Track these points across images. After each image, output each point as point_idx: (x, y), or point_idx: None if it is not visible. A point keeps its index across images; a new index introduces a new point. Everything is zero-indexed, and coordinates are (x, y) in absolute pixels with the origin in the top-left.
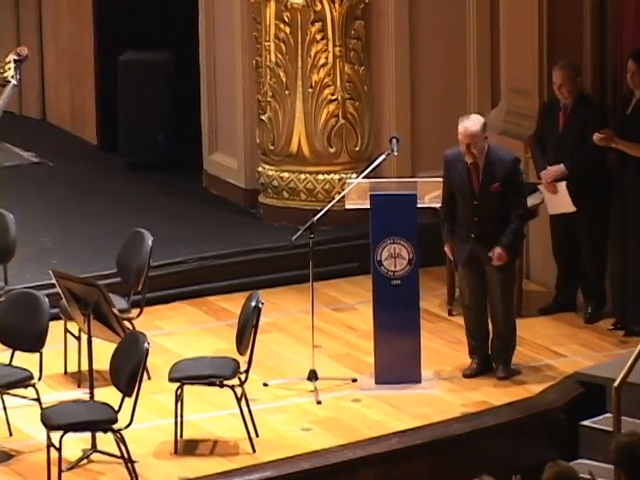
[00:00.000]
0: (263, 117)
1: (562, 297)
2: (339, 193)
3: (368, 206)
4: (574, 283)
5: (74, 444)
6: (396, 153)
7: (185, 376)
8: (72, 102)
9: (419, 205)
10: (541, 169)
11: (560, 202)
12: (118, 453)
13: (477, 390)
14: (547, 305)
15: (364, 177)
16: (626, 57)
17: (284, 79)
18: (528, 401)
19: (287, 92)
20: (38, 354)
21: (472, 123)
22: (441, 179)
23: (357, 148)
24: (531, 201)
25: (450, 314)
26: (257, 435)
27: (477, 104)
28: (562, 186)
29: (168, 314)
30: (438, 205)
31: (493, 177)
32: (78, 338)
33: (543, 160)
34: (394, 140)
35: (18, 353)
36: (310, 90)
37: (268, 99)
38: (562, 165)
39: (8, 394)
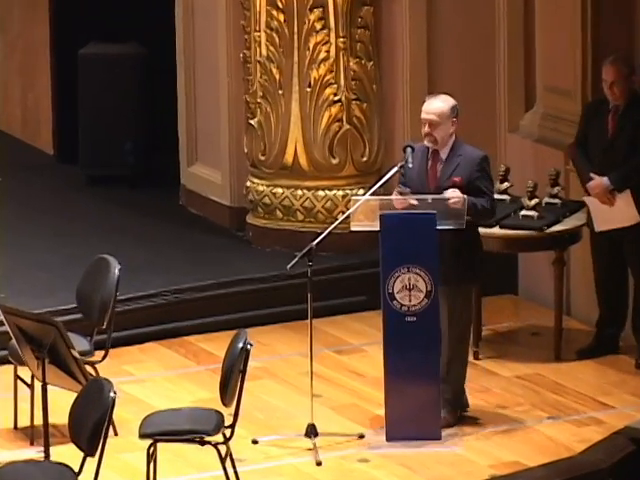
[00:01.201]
0: (252, 122)
1: (605, 336)
2: (343, 212)
3: (377, 228)
4: (619, 320)
5: None
6: (411, 165)
7: (159, 431)
8: (23, 104)
9: (439, 227)
10: (588, 180)
11: (616, 214)
12: None
13: (508, 448)
14: (587, 346)
15: (373, 193)
16: None
17: (277, 76)
18: (569, 461)
19: (281, 92)
20: None
21: (440, 100)
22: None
23: (364, 159)
24: (573, 222)
25: (476, 357)
26: None
27: (508, 106)
28: (625, 196)
29: (139, 357)
30: (458, 226)
31: (455, 170)
32: (31, 386)
33: (589, 169)
34: (409, 149)
35: None
36: (308, 90)
37: (258, 100)
38: (605, 179)
39: None
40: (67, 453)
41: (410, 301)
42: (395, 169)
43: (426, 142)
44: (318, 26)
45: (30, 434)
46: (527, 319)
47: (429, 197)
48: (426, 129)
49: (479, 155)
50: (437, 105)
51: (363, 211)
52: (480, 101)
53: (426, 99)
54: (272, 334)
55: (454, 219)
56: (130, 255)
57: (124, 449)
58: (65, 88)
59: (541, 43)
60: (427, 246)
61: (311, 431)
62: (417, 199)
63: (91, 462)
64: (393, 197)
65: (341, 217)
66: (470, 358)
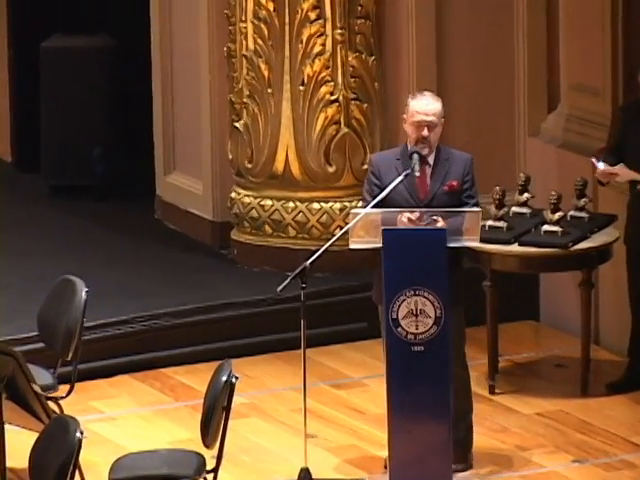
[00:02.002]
0: (237, 124)
1: (638, 368)
2: (341, 228)
3: (380, 245)
4: None
5: None
6: (418, 173)
7: (132, 476)
8: None
9: (450, 244)
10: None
11: None
12: None
13: None
14: (618, 379)
15: (375, 206)
16: None
17: (266, 73)
18: None
19: (270, 90)
20: None
21: (434, 98)
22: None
23: (365, 166)
24: (602, 238)
25: (492, 392)
26: None
27: (527, 107)
28: None
29: (109, 392)
30: (472, 243)
31: (447, 176)
32: None
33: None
34: (415, 156)
35: None
36: (301, 88)
37: (244, 100)
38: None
39: None
40: None
41: (417, 328)
42: (400, 178)
43: (419, 148)
44: (312, 16)
45: None
46: (550, 349)
47: (437, 212)
48: (425, 133)
49: (468, 157)
50: (435, 104)
51: (363, 226)
52: (496, 100)
53: (414, 97)
54: (260, 365)
55: (468, 235)
56: (99, 276)
57: None
58: (25, 86)
59: (566, 36)
60: (436, 266)
61: (305, 476)
62: (425, 212)
63: None
64: (397, 211)
65: (339, 233)
66: (485, 393)
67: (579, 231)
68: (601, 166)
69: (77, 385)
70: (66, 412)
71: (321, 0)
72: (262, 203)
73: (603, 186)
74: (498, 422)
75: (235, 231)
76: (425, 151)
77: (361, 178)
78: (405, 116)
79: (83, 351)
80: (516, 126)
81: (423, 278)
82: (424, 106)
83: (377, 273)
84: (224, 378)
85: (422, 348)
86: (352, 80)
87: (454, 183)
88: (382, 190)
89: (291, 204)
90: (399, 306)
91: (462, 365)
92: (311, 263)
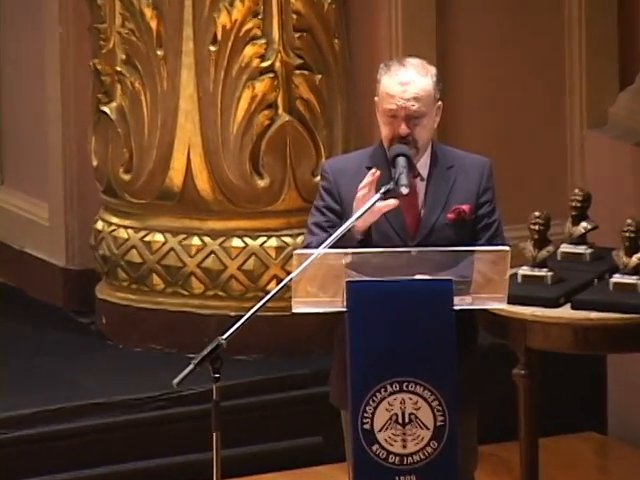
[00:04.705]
0: (106, 108)
1: None
2: (278, 279)
3: (342, 307)
4: None
5: None
6: (406, 190)
7: None
8: None
9: (460, 306)
10: None
11: None
12: None
13: None
14: None
15: (334, 243)
16: None
17: (153, 23)
18: None
19: (160, 52)
20: None
21: (420, 72)
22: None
23: (317, 178)
24: None
25: None
26: None
27: (586, 82)
28: None
29: None
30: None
31: (453, 194)
32: None
33: None
34: (400, 160)
35: None
36: (212, 48)
37: (117, 68)
38: None
39: None
40: None
41: (405, 447)
42: (376, 197)
43: (404, 150)
44: None
45: None
46: (621, 475)
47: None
48: (402, 129)
49: (485, 163)
50: (422, 81)
51: (315, 276)
52: (531, 71)
53: (388, 69)
54: None
55: (488, 291)
56: None
57: None
58: None
59: None
60: (437, 342)
61: None
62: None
63: None
64: (371, 252)
65: (274, 289)
66: None
67: None
68: None
69: None
70: None
71: None
72: (148, 239)
73: None
74: None
75: (103, 286)
76: (409, 149)
77: (311, 197)
78: (376, 98)
79: None
80: (567, 112)
81: (414, 363)
82: (402, 85)
83: (338, 355)
84: None
85: (414, 478)
86: (296, 35)
87: (464, 208)
88: (343, 217)
89: (195, 240)
90: (375, 409)
91: None
92: (228, 338)
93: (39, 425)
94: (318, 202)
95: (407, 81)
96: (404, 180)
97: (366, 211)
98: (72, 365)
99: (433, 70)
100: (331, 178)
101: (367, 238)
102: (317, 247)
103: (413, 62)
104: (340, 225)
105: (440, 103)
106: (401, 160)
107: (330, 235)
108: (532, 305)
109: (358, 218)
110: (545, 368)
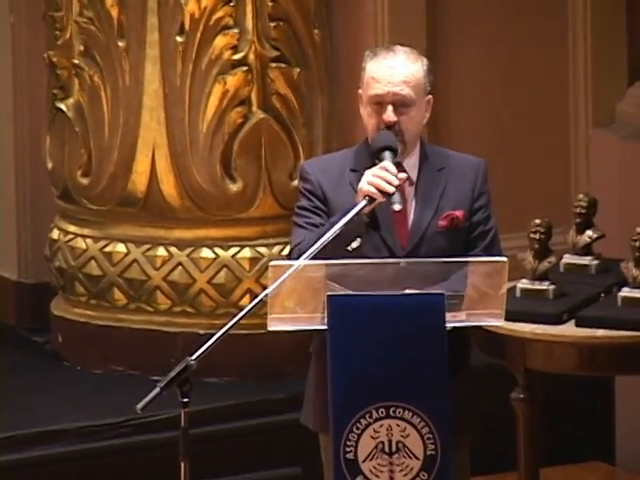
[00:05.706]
0: (62, 105)
1: None
2: (252, 294)
3: (322, 325)
4: None
5: None
6: (398, 207)
7: None
8: None
9: (452, 323)
10: None
11: None
12: None
13: None
14: None
15: (315, 254)
16: None
17: (114, 11)
18: None
19: (122, 43)
20: None
21: (409, 58)
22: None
23: (295, 182)
24: None
25: None
26: None
27: (591, 79)
28: None
29: None
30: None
31: (444, 198)
32: None
33: None
34: (387, 154)
35: None
36: (179, 39)
37: (75, 61)
38: None
39: None
40: None
41: (392, 478)
42: (363, 203)
43: (391, 142)
44: None
45: None
46: None
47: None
48: (389, 115)
49: (479, 163)
50: (412, 67)
51: (293, 290)
52: (534, 68)
53: (375, 55)
54: None
55: (484, 307)
56: None
57: None
58: None
59: None
60: (427, 363)
61: None
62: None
63: None
64: (356, 264)
65: (248, 305)
66: None
67: None
68: None
69: None
70: None
71: None
72: (109, 250)
73: None
74: None
75: (59, 301)
76: (397, 144)
77: (288, 203)
78: (360, 90)
79: None
80: (570, 109)
81: (402, 386)
82: (390, 68)
83: (316, 370)
84: None
85: None
86: (272, 25)
87: (457, 214)
88: (327, 224)
89: (161, 251)
90: (359, 437)
91: None
92: (197, 359)
93: None
94: (303, 203)
95: (395, 65)
96: (397, 197)
97: (351, 219)
98: (24, 388)
99: (424, 59)
100: (313, 179)
101: (374, 220)
102: (307, 246)
103: (403, 48)
104: (323, 231)
105: (430, 97)
106: (387, 154)
107: (321, 234)
108: (532, 322)
109: (344, 225)
110: (546, 391)
